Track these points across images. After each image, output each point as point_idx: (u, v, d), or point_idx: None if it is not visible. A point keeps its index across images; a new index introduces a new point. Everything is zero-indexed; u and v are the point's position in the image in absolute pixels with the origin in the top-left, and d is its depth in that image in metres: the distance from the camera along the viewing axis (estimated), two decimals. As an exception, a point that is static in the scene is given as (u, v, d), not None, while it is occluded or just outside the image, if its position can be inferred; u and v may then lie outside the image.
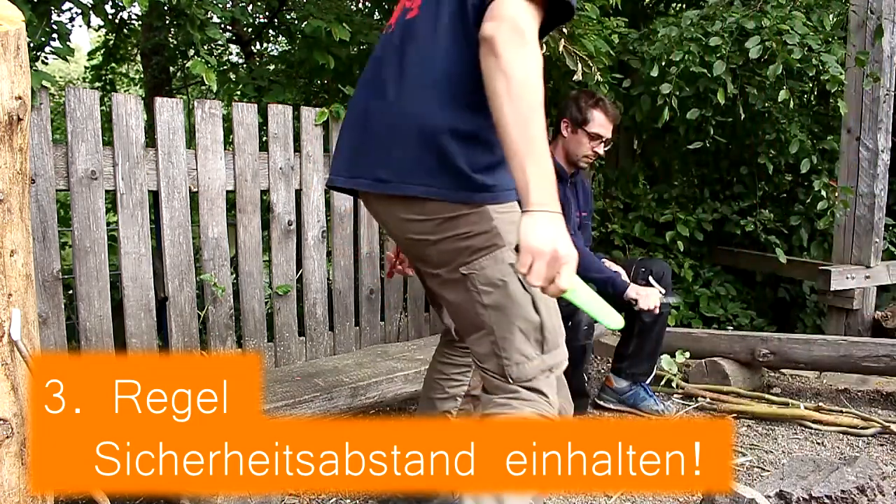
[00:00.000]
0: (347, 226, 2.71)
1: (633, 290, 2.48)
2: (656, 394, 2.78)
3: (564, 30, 2.83)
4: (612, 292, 2.45)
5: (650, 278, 2.64)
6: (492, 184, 1.35)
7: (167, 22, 3.76)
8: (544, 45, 2.72)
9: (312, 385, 2.08)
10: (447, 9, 1.35)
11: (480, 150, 1.34)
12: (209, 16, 2.48)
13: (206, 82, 2.31)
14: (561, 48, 2.76)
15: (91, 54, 6.03)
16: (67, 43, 2.27)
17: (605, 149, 2.67)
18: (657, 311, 2.51)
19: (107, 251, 2.16)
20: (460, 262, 1.39)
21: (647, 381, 2.75)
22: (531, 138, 1.18)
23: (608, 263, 2.64)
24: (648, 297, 2.49)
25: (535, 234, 1.18)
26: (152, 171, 2.21)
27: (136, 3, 2.09)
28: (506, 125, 1.19)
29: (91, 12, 2.53)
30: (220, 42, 2.89)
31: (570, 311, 2.37)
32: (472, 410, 1.87)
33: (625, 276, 2.59)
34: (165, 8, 3.02)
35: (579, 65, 2.80)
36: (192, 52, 4.06)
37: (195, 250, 2.35)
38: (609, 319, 1.36)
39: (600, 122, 2.58)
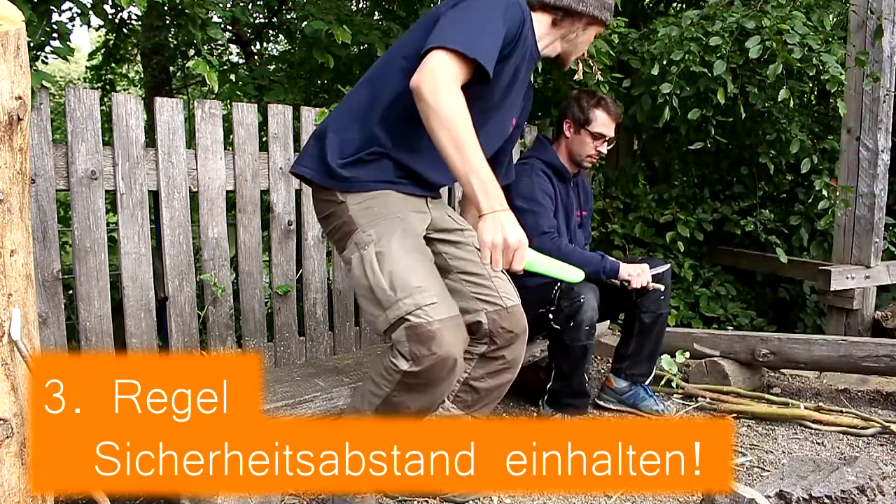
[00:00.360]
0: (347, 226, 2.71)
1: (625, 271, 2.48)
2: (656, 394, 2.79)
3: None
4: (606, 280, 2.46)
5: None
6: (348, 176, 1.70)
7: (167, 22, 3.76)
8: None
9: (312, 385, 2.08)
10: (378, 61, 1.82)
11: (350, 151, 1.71)
12: (210, 15, 2.47)
13: (208, 81, 2.31)
14: None
15: (91, 55, 6.03)
16: (67, 43, 2.26)
17: (609, 147, 2.67)
18: (650, 286, 2.50)
19: (107, 251, 2.16)
20: (340, 249, 1.78)
21: (647, 382, 2.75)
22: (467, 160, 1.47)
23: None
24: (641, 276, 2.47)
25: (486, 232, 1.47)
26: (152, 171, 2.21)
27: (135, 4, 2.09)
28: (446, 154, 1.49)
29: (90, 12, 2.52)
30: (220, 42, 2.89)
31: (572, 312, 2.37)
32: (469, 400, 1.90)
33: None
34: (165, 8, 3.02)
35: (580, 64, 2.79)
36: (192, 52, 4.06)
37: (195, 250, 2.35)
38: (571, 275, 1.65)
39: (603, 122, 2.58)
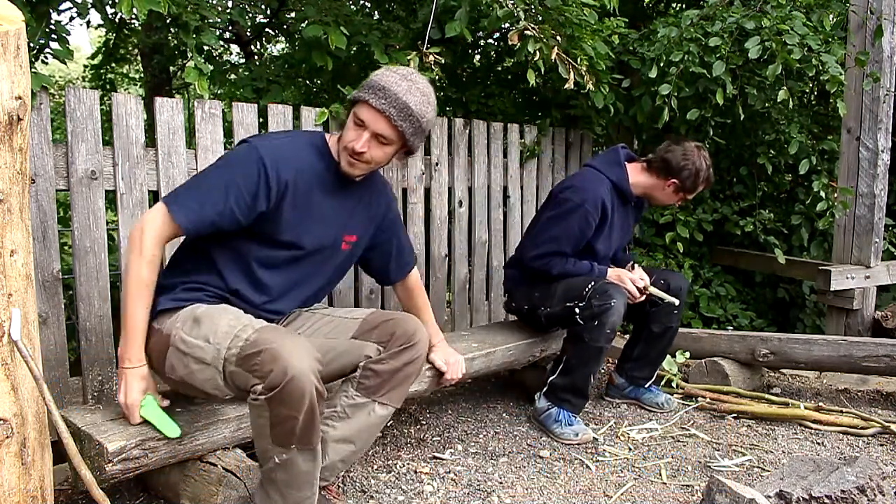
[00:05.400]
0: (347, 226, 2.70)
1: (615, 274, 2.52)
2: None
3: (559, 37, 2.83)
4: (597, 282, 2.44)
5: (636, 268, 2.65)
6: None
7: (167, 22, 3.76)
8: (538, 53, 2.72)
9: (312, 385, 2.08)
10: None
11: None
12: (205, 20, 2.46)
13: (198, 90, 2.30)
14: (553, 56, 2.75)
15: (93, 57, 6.03)
16: (67, 45, 2.26)
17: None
18: (645, 293, 2.53)
19: (107, 251, 2.16)
20: None
21: (647, 385, 2.78)
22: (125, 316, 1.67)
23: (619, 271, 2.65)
24: (634, 281, 2.51)
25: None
26: (152, 171, 2.21)
27: (135, 9, 2.09)
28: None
29: (89, 10, 2.52)
30: (215, 46, 2.88)
31: (600, 311, 2.37)
32: (372, 385, 1.79)
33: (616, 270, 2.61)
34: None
35: (571, 73, 2.80)
36: (190, 54, 4.05)
37: (195, 250, 2.35)
38: (168, 430, 1.66)
39: (694, 192, 2.60)
